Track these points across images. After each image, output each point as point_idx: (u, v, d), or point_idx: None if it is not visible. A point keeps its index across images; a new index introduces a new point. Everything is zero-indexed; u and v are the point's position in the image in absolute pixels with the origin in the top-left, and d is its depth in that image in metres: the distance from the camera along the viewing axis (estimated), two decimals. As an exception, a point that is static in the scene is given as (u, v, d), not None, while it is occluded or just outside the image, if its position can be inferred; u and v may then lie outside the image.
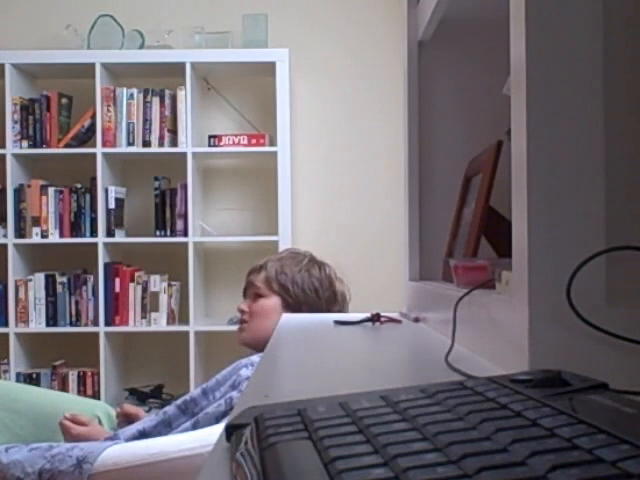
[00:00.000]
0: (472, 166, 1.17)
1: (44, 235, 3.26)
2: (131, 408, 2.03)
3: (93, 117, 3.27)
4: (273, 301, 1.96)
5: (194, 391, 1.85)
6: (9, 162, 3.21)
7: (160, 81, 3.32)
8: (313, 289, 1.96)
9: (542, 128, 0.59)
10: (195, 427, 1.66)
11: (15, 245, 3.24)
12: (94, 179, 3.23)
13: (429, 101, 1.24)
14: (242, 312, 2.01)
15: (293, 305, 1.93)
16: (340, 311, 2.01)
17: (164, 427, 1.75)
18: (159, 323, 3.26)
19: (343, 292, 2.05)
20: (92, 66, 3.19)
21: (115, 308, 3.25)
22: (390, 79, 3.33)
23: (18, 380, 3.19)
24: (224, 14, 3.43)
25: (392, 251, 3.24)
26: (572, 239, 0.58)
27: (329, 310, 1.96)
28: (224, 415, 1.64)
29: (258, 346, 1.90)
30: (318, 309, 1.93)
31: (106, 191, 3.23)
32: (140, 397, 3.23)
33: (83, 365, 3.30)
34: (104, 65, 3.24)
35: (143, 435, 1.73)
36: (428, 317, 1.10)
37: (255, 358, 1.78)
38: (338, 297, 2.02)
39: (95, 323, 3.24)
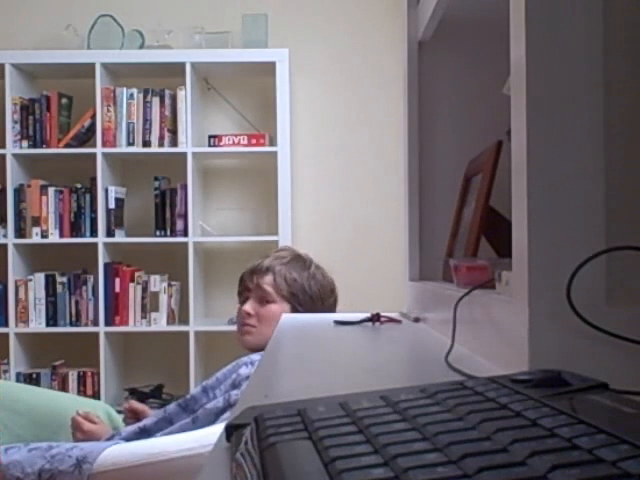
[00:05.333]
0: (472, 166, 1.17)
1: (44, 235, 3.26)
2: (138, 405, 2.03)
3: (93, 117, 3.27)
4: (283, 308, 1.90)
5: (194, 389, 1.86)
6: (9, 162, 3.21)
7: (160, 81, 3.32)
8: (319, 297, 1.95)
9: (542, 128, 0.59)
10: (194, 422, 1.68)
11: (15, 245, 3.24)
12: (94, 179, 3.23)
13: (429, 101, 1.24)
14: (247, 315, 1.92)
15: (302, 313, 1.90)
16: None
17: (165, 423, 1.76)
18: (159, 323, 3.26)
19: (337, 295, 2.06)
20: (92, 66, 3.19)
21: (115, 308, 3.25)
22: (390, 79, 3.33)
23: (18, 380, 3.19)
24: (224, 14, 3.43)
25: (392, 251, 3.24)
26: (572, 239, 0.58)
27: None
28: (222, 411, 1.65)
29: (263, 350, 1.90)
30: None
31: (106, 191, 3.23)
32: (140, 397, 3.21)
33: (83, 365, 3.30)
34: (104, 65, 3.24)
35: (144, 431, 1.75)
36: (428, 317, 1.10)
37: (255, 357, 1.78)
38: (337, 302, 2.04)
39: (95, 323, 3.23)
